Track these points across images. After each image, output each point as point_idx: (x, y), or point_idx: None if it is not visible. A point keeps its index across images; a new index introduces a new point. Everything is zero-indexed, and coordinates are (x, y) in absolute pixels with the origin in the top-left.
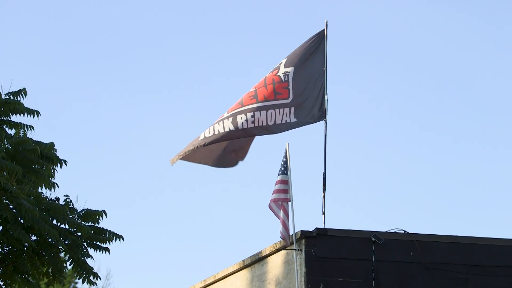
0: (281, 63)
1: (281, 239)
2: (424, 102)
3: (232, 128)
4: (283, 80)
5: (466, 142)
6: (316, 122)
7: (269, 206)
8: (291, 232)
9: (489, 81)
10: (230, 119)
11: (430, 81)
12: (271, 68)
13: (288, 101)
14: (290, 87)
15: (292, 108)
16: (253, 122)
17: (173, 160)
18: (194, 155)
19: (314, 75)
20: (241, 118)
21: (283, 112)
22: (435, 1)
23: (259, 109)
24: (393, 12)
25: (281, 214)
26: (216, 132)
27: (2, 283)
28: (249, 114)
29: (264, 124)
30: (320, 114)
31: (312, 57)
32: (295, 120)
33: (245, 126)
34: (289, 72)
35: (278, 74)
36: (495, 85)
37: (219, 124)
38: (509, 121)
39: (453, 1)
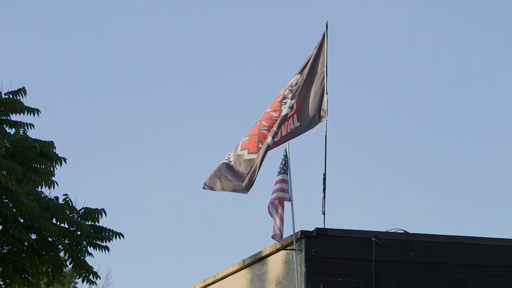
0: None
1: (274, 239)
2: (425, 102)
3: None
4: (289, 91)
5: (467, 142)
6: (318, 125)
7: (268, 208)
8: (291, 232)
9: (490, 79)
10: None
11: (431, 80)
12: (268, 68)
13: (291, 110)
14: (293, 94)
15: (295, 115)
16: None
17: (206, 186)
18: (222, 183)
19: (316, 77)
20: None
21: (288, 122)
22: (436, 1)
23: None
24: (393, 12)
25: (280, 210)
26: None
27: (1, 283)
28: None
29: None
30: (320, 116)
31: (314, 61)
32: (298, 124)
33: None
34: (296, 81)
35: (287, 88)
36: (496, 84)
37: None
38: (510, 121)
39: (454, 0)
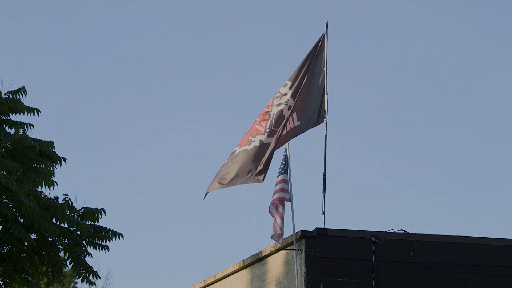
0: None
1: (273, 238)
2: (425, 102)
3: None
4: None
5: (466, 142)
6: (318, 124)
7: (269, 208)
8: (291, 232)
9: (491, 79)
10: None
11: (431, 80)
12: (268, 68)
13: (289, 109)
14: (292, 92)
15: (294, 114)
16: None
17: (208, 191)
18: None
19: (315, 77)
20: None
21: (288, 121)
22: (436, 2)
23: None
24: (393, 11)
25: (280, 209)
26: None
27: (1, 283)
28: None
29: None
30: (320, 116)
31: (313, 60)
32: (298, 123)
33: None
34: (293, 79)
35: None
36: (497, 83)
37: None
38: (509, 122)
39: (454, 1)
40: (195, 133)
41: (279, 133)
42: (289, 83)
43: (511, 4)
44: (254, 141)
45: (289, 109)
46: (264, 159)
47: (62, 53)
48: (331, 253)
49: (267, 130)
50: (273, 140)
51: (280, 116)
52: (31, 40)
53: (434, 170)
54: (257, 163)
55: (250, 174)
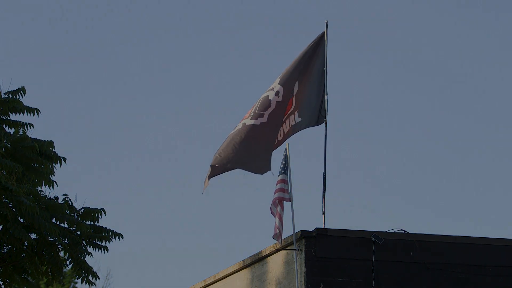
0: (279, 77)
1: (274, 238)
2: (425, 102)
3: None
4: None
5: (466, 141)
6: (318, 124)
7: (270, 208)
8: (291, 232)
9: (491, 80)
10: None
11: (431, 80)
12: (268, 69)
13: (276, 94)
14: (293, 95)
15: (296, 112)
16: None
17: (204, 187)
18: (218, 168)
19: (315, 76)
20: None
21: (289, 119)
22: (437, 1)
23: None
24: (394, 11)
25: (279, 209)
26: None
27: (1, 283)
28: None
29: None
30: (320, 116)
31: (312, 59)
32: (299, 119)
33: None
34: (286, 80)
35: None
36: (496, 85)
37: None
38: (509, 121)
39: (455, 1)
40: (196, 133)
41: (274, 121)
42: (281, 74)
43: (511, 4)
44: (238, 126)
45: (276, 94)
46: (267, 153)
47: (62, 52)
48: (331, 253)
49: (251, 114)
50: (263, 124)
51: (266, 101)
52: (31, 40)
53: (434, 170)
54: (239, 146)
55: (236, 158)
